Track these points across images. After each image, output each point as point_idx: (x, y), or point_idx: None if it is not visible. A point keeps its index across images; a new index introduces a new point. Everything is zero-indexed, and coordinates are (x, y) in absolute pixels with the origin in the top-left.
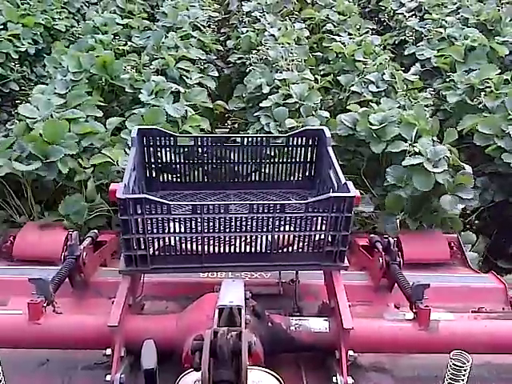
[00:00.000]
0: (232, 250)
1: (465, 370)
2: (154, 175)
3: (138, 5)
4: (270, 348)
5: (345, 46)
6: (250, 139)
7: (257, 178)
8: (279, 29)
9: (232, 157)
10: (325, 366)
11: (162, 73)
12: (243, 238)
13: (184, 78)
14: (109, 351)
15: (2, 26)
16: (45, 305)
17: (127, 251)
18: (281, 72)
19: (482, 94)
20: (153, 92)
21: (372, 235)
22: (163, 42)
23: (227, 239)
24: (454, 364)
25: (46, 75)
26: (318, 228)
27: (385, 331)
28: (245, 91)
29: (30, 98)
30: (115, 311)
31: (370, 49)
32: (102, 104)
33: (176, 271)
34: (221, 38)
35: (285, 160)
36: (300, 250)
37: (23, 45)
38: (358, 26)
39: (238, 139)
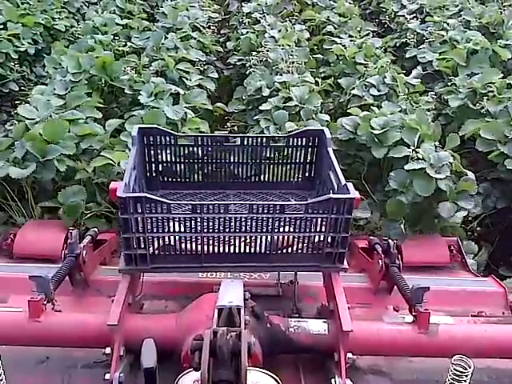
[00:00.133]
0: (231, 250)
1: (466, 376)
2: (154, 174)
3: (138, 5)
4: (268, 349)
5: (345, 48)
6: (250, 140)
7: (257, 179)
8: (279, 30)
9: (232, 157)
10: (323, 368)
11: (161, 74)
12: (243, 239)
13: (183, 79)
14: (108, 350)
15: (1, 26)
16: (45, 302)
17: (127, 250)
18: (281, 74)
19: (485, 98)
20: (152, 94)
21: (371, 237)
22: (163, 43)
23: (227, 239)
24: (455, 369)
25: (45, 75)
26: (318, 229)
27: (384, 334)
28: (245, 93)
29: (29, 99)
30: (115, 310)
31: (370, 51)
32: (102, 105)
33: (175, 271)
34: (221, 39)
35: (285, 161)
36: (299, 251)
37: (23, 45)
38: (358, 28)
39: (238, 139)
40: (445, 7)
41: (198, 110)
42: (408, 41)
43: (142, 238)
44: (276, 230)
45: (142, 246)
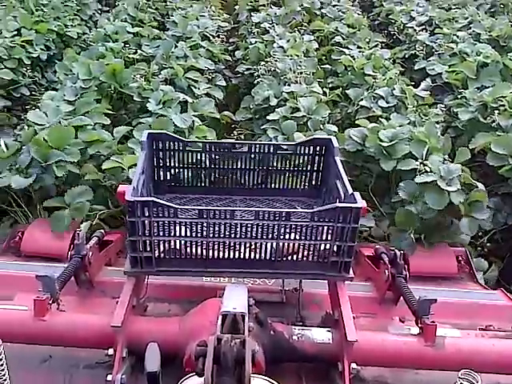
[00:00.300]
0: (236, 256)
1: None
2: (161, 179)
3: (149, 14)
4: (271, 357)
5: (354, 59)
6: (257, 147)
7: (263, 185)
8: (288, 40)
9: (239, 163)
10: (327, 378)
11: (170, 82)
12: (248, 245)
13: (192, 88)
14: (111, 351)
15: (16, 32)
16: (50, 302)
17: (133, 253)
18: (289, 84)
19: (496, 112)
20: (160, 101)
21: (378, 246)
22: (172, 52)
23: (232, 245)
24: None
25: (56, 81)
26: (324, 237)
27: (389, 345)
28: (252, 103)
29: (39, 104)
30: (119, 312)
31: (379, 63)
32: (110, 112)
33: (180, 274)
34: (229, 48)
35: (292, 168)
36: (305, 259)
37: (36, 51)
38: (367, 39)
39: (246, 147)
40: (454, 19)
41: (205, 118)
42: (417, 53)
43: (148, 241)
44: (281, 237)
45: (148, 249)
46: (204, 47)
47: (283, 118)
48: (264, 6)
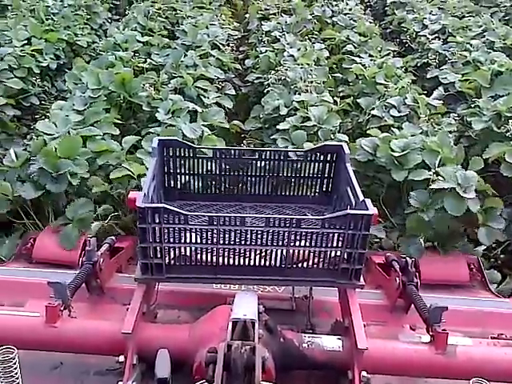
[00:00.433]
0: (246, 263)
1: None
2: (172, 185)
3: (159, 22)
4: (281, 364)
5: (365, 67)
6: (268, 154)
7: (273, 192)
8: (298, 49)
9: (250, 171)
10: None
11: (179, 91)
12: (258, 251)
13: (201, 97)
14: (122, 358)
15: (26, 41)
16: (62, 309)
17: (144, 259)
18: (299, 93)
19: (510, 121)
20: (169, 111)
21: (389, 254)
22: (182, 61)
23: (242, 252)
24: None
25: (66, 90)
26: (334, 244)
27: (399, 353)
28: (262, 112)
29: (48, 114)
30: (129, 318)
31: (391, 71)
32: (119, 121)
33: (190, 281)
34: (239, 57)
35: (302, 175)
36: (315, 266)
37: (45, 60)
38: (379, 48)
39: (257, 154)
40: (468, 28)
41: (215, 128)
42: (429, 61)
43: (158, 248)
44: (292, 244)
45: (159, 256)
46: (214, 56)
47: (293, 128)
48: (275, 14)
